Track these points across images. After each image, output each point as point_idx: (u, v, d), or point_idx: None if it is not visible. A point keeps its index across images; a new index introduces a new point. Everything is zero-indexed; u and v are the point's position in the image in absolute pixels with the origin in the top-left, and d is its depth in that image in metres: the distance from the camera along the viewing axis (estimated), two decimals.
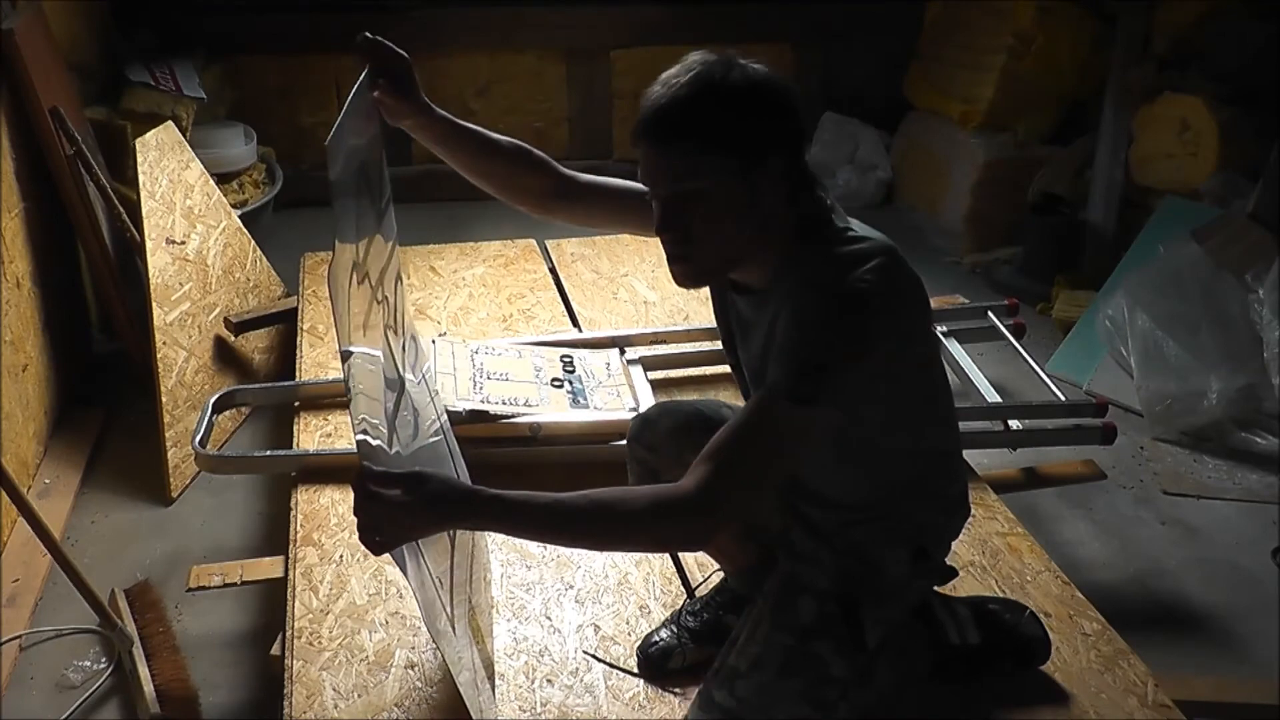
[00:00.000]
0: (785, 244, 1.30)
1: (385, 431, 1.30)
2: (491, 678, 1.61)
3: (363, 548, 1.19)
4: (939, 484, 1.46)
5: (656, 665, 1.66)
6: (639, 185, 1.36)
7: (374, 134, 1.42)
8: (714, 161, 1.24)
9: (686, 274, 1.33)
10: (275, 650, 1.78)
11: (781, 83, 1.27)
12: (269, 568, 2.08)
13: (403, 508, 1.15)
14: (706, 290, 1.51)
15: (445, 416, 1.80)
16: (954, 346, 2.64)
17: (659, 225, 1.29)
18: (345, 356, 1.17)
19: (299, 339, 2.65)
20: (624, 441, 1.71)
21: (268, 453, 2.43)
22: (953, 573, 1.56)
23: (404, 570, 1.19)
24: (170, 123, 2.88)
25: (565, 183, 1.55)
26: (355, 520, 1.16)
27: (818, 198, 1.32)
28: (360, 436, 1.16)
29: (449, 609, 1.38)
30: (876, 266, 1.24)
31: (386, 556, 1.19)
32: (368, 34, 1.39)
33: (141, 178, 2.61)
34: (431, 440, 1.62)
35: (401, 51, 1.41)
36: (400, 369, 1.49)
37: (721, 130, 1.23)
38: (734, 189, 1.25)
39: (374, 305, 1.35)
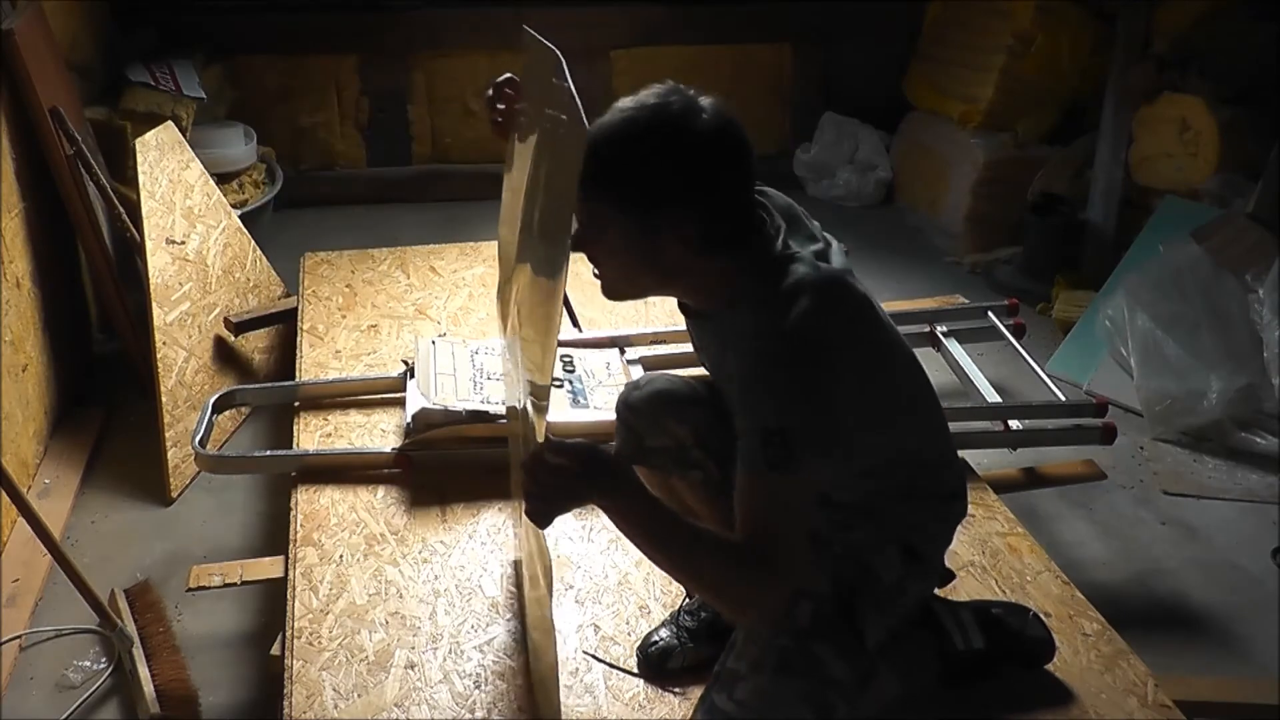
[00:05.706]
0: (724, 276, 1.31)
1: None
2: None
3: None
4: (928, 485, 1.47)
5: (656, 665, 1.66)
6: None
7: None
8: (607, 209, 1.27)
9: (601, 289, 1.37)
10: (275, 650, 1.78)
11: (717, 136, 1.26)
12: (269, 568, 2.08)
13: (571, 477, 1.20)
14: None
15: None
16: (954, 346, 2.63)
17: (571, 242, 1.32)
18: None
19: (299, 339, 2.65)
20: None
21: (268, 453, 2.42)
22: (950, 576, 1.56)
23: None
24: (170, 123, 2.88)
25: None
26: (523, 488, 1.22)
27: (760, 236, 1.32)
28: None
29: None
30: (813, 309, 1.24)
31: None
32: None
33: (141, 178, 2.61)
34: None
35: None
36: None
37: (617, 183, 1.25)
38: (629, 237, 1.28)
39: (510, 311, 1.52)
